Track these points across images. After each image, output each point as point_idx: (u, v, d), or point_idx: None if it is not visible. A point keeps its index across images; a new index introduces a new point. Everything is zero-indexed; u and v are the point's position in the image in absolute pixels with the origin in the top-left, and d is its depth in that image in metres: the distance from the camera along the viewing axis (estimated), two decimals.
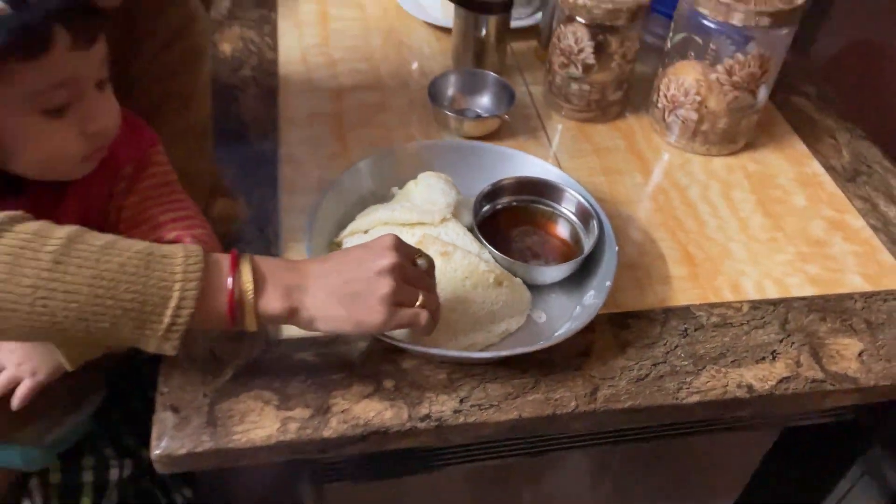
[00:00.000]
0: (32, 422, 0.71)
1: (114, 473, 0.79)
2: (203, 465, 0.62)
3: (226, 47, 1.03)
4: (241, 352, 0.68)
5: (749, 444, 1.11)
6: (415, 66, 1.05)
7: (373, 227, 0.75)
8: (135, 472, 0.81)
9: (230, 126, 0.90)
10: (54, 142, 0.58)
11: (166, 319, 0.54)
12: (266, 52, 1.03)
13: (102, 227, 0.57)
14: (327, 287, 0.59)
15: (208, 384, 0.65)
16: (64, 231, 0.53)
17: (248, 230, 0.79)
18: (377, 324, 0.59)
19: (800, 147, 0.97)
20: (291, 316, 0.58)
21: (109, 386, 0.81)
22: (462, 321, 0.68)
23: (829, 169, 0.94)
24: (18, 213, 0.53)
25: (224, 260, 0.57)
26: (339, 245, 0.76)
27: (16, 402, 0.64)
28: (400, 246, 0.61)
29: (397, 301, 0.59)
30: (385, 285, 0.59)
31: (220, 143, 0.84)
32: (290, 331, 0.69)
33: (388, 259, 0.59)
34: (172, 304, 0.54)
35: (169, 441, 0.61)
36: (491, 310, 0.69)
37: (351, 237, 0.76)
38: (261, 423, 0.63)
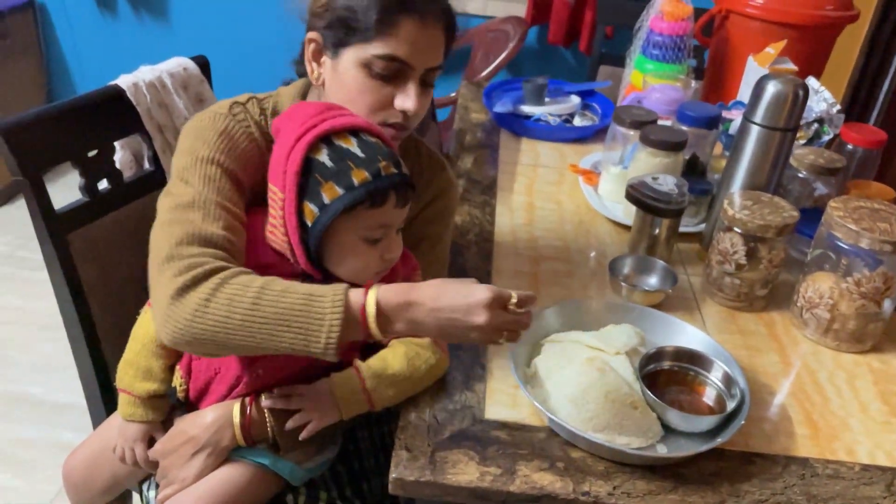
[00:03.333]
0: (302, 447, 0.98)
1: None
2: (422, 493, 0.86)
3: (458, 219, 1.38)
4: (456, 421, 0.93)
5: None
6: (597, 248, 1.34)
7: (566, 339, 1.01)
8: None
9: (455, 270, 1.22)
10: (365, 260, 0.90)
11: (323, 339, 0.80)
12: (485, 226, 1.37)
13: None
14: (438, 286, 0.84)
15: (432, 439, 0.90)
16: (259, 282, 0.82)
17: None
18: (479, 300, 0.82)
19: None
20: (408, 307, 0.83)
21: (342, 448, 1.08)
22: (595, 420, 0.90)
23: None
24: (235, 269, 0.83)
25: (361, 289, 0.84)
26: (540, 348, 1.02)
27: (304, 434, 0.93)
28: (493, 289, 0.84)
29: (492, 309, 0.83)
30: (482, 293, 0.83)
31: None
32: (491, 413, 0.94)
33: (483, 292, 0.83)
34: (325, 329, 0.80)
35: (402, 470, 0.86)
36: (620, 423, 0.90)
37: (550, 343, 1.02)
38: (466, 471, 0.86)
